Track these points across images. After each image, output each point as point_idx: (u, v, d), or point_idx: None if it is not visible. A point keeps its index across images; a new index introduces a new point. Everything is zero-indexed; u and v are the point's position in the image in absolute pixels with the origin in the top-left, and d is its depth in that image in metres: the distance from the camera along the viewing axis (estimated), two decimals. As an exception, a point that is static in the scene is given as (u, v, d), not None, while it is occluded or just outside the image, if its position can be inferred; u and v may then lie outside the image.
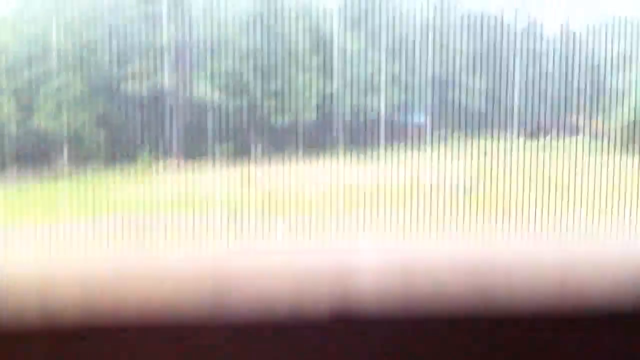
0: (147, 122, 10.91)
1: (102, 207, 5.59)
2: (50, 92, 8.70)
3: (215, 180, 8.31)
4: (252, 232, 5.04)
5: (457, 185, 7.77)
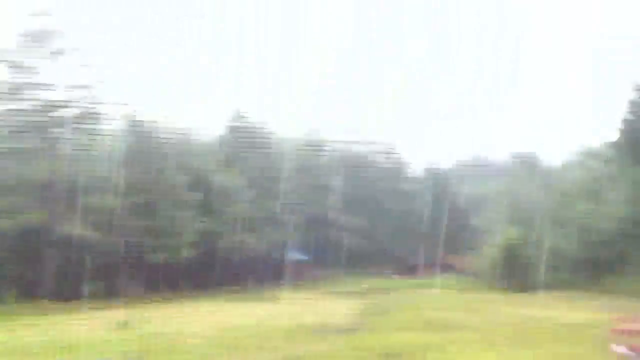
0: (15, 260, 26.84)
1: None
2: None
3: (87, 322, 19.96)
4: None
5: (340, 325, 22.66)
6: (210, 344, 20.28)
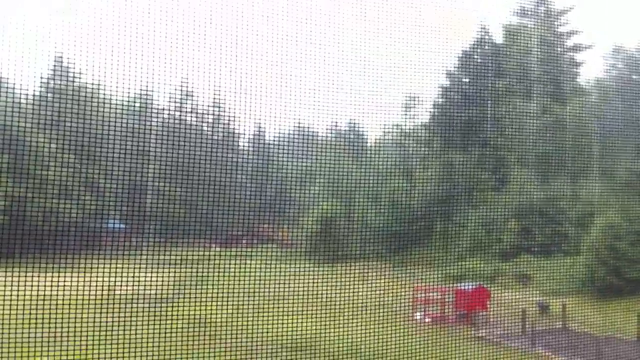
0: None
1: None
2: None
3: None
4: None
5: (155, 296, 21.99)
6: (14, 316, 19.36)
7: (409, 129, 50.79)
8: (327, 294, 24.27)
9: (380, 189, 45.47)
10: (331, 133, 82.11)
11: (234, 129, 74.47)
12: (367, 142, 73.14)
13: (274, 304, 22.27)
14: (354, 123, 78.26)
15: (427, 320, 23.12)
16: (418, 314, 23.26)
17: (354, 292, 25.21)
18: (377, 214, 42.84)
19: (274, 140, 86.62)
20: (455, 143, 43.64)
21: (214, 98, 73.89)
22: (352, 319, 19.52)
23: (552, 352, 18.66)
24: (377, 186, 46.67)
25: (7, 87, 48.01)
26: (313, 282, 27.91)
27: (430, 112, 45.48)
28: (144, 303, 22.67)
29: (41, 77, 50.41)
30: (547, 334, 19.87)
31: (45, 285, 25.80)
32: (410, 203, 41.91)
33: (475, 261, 35.36)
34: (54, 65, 50.42)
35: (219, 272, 32.68)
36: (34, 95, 50.19)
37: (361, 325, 18.79)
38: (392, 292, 25.06)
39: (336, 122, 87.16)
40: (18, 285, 25.27)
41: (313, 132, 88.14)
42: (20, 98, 51.12)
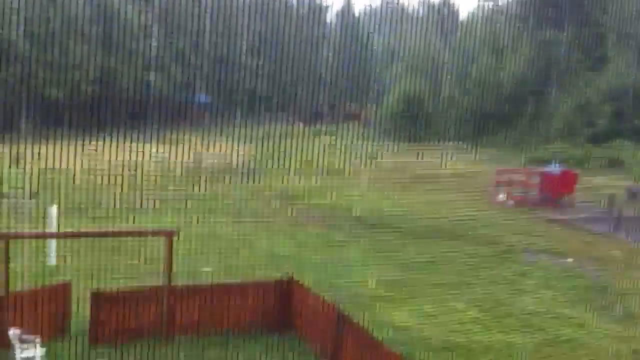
0: None
1: None
2: None
3: None
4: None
5: (238, 168, 22.04)
6: (107, 182, 20.28)
7: (503, 3, 48.19)
8: (409, 172, 24.18)
9: (469, 68, 43.98)
10: (422, 7, 79.10)
11: (321, 1, 72.52)
12: (458, 18, 70.19)
13: (355, 180, 22.42)
14: (449, -2, 74.83)
15: (510, 202, 22.82)
16: (501, 195, 22.94)
17: (437, 171, 25.02)
18: (464, 93, 41.73)
19: (362, 14, 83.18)
20: (551, 20, 41.27)
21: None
22: (434, 197, 19.43)
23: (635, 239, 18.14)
24: (465, 65, 45.16)
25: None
26: (395, 161, 27.84)
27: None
28: (229, 174, 23.25)
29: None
30: (634, 221, 19.27)
31: (134, 153, 26.66)
32: (499, 83, 40.49)
33: (565, 145, 34.26)
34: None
35: (302, 147, 32.86)
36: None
37: (444, 204, 18.70)
38: (476, 173, 24.73)
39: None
40: (110, 154, 26.21)
41: (403, 5, 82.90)
42: None
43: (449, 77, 42.94)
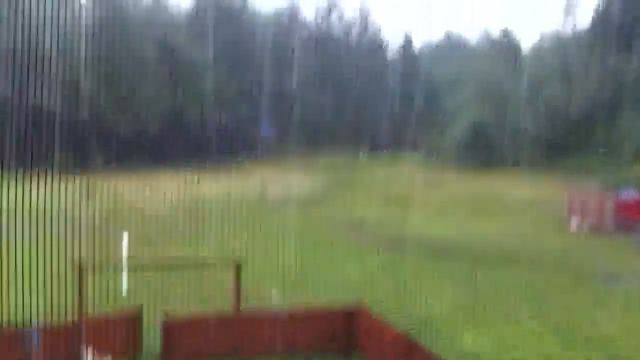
0: None
1: None
2: None
3: (56, 191, 17.26)
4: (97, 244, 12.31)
5: (304, 198, 22.34)
6: (174, 213, 20.61)
7: (569, 34, 47.46)
8: (475, 198, 23.72)
9: (536, 96, 43.19)
10: (483, 41, 78.59)
11: (380, 39, 73.15)
12: (520, 50, 69.28)
13: (423, 208, 22.11)
14: (508, 30, 74.16)
15: (584, 227, 22.08)
16: (574, 220, 22.24)
17: (506, 197, 24.46)
18: (530, 119, 40.95)
19: (422, 49, 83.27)
20: (619, 47, 40.35)
21: (360, 8, 71.11)
22: (505, 223, 18.95)
23: None
24: (532, 93, 44.35)
25: (165, 3, 48.78)
26: (464, 188, 27.39)
27: (593, 15, 42.09)
28: (297, 204, 23.24)
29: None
30: None
31: (201, 185, 27.10)
32: (568, 108, 39.63)
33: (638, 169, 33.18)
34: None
35: (365, 176, 32.84)
36: (189, 10, 51.26)
37: (515, 230, 18.20)
38: (547, 199, 24.10)
39: (488, 30, 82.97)
40: (177, 186, 26.63)
41: (463, 40, 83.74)
42: (177, 13, 51.27)
43: (515, 104, 42.25)
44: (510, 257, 15.18)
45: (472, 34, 77.41)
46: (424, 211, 21.42)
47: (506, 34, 72.70)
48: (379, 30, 71.34)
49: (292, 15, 62.93)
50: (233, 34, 48.11)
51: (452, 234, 17.16)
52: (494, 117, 41.57)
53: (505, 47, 63.05)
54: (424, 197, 24.72)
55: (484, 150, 39.55)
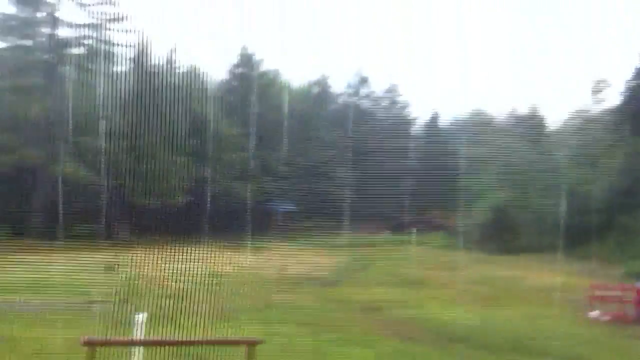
0: (7, 197, 27.29)
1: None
2: None
3: (76, 262, 19.86)
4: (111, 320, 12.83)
5: (321, 278, 23.16)
6: (194, 289, 20.79)
7: (595, 114, 47.65)
8: (494, 283, 23.62)
9: (560, 178, 43.15)
10: (509, 118, 79.07)
11: (408, 113, 74.03)
12: (547, 128, 69.46)
13: (438, 291, 22.10)
14: (535, 108, 74.68)
15: (604, 318, 21.75)
16: (595, 311, 21.95)
17: (525, 283, 24.30)
18: (554, 203, 40.76)
19: (449, 126, 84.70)
20: (644, 128, 40.39)
21: (390, 83, 72.38)
22: (522, 311, 18.82)
23: None
24: (556, 175, 44.33)
25: (198, 76, 51.10)
26: (481, 272, 27.26)
27: (621, 95, 42.28)
28: (314, 284, 23.35)
29: (227, 66, 52.35)
30: None
31: (221, 261, 27.33)
32: (591, 194, 39.49)
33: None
34: (239, 55, 52.35)
35: (386, 257, 32.91)
36: (220, 82, 52.55)
37: (533, 319, 18.07)
38: (567, 287, 23.89)
39: (515, 107, 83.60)
40: (198, 261, 26.94)
41: (490, 117, 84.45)
42: (208, 86, 52.75)
43: (538, 187, 42.22)
44: (526, 346, 15.04)
45: (499, 111, 77.94)
46: (442, 294, 21.40)
47: (533, 111, 73.22)
48: (407, 105, 72.31)
49: (322, 89, 64.20)
50: (262, 105, 49.08)
51: (466, 319, 17.09)
52: (517, 200, 41.50)
53: (531, 126, 63.36)
54: (443, 280, 24.71)
55: (505, 234, 39.36)
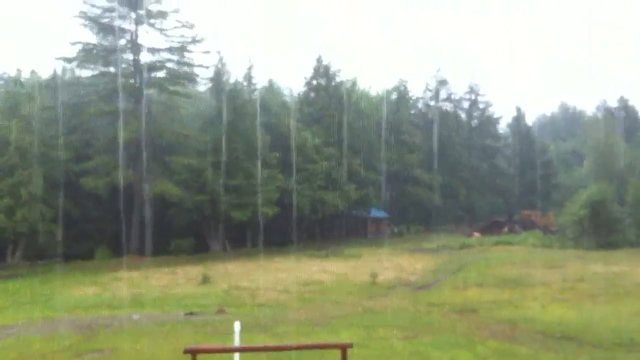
0: (104, 217, 28.51)
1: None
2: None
3: (172, 277, 21.01)
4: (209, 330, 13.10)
5: (416, 282, 23.40)
6: (288, 297, 20.95)
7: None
8: (595, 280, 22.64)
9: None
10: (599, 110, 76.22)
11: (492, 113, 72.68)
12: (638, 119, 66.45)
13: (536, 290, 21.44)
14: (624, 99, 71.68)
15: None
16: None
17: (629, 279, 23.17)
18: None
19: (535, 122, 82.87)
20: None
21: (470, 84, 71.46)
22: (629, 308, 17.96)
23: None
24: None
25: (278, 87, 51.85)
26: (582, 268, 26.19)
27: None
28: (407, 288, 23.05)
29: (305, 78, 53.10)
30: None
31: (312, 268, 27.34)
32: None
33: None
34: (315, 67, 53.26)
35: (479, 257, 32.11)
36: (299, 94, 53.61)
37: (635, 313, 17.19)
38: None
39: (604, 99, 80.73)
40: (289, 270, 26.91)
41: (579, 110, 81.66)
42: (289, 96, 53.73)
43: (635, 180, 40.40)
44: (635, 344, 14.26)
45: (587, 104, 75.54)
46: (540, 294, 20.72)
47: (623, 102, 70.36)
48: (490, 104, 70.60)
49: (401, 94, 63.62)
50: (343, 114, 49.12)
51: (570, 318, 16.42)
52: (613, 194, 39.84)
53: (621, 117, 60.85)
54: (540, 279, 23.94)
55: (603, 229, 37.80)
